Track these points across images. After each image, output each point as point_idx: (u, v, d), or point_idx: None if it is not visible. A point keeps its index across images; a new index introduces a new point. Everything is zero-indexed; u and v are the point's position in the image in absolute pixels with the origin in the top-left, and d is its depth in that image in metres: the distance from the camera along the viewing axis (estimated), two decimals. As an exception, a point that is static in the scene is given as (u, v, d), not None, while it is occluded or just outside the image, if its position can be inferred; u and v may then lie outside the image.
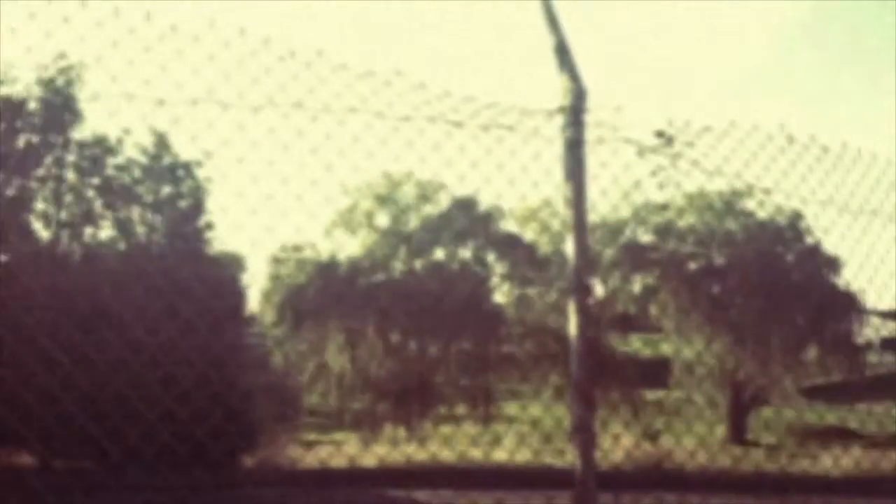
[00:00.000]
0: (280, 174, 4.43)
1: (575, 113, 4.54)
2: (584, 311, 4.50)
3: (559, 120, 4.51)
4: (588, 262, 4.44)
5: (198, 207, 20.52)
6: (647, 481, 11.06)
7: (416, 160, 4.27)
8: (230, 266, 20.88)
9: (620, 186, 4.58)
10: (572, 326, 4.44)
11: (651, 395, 31.51)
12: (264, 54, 4.27)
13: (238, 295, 22.03)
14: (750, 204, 29.07)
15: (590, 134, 4.50)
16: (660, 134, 4.54)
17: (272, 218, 4.49)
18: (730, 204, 29.42)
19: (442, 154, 4.22)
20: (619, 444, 15.12)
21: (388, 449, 12.35)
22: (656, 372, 31.65)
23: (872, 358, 45.53)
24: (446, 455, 11.08)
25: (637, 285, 32.06)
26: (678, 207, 30.46)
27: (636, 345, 31.95)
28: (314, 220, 4.59)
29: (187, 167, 20.02)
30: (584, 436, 4.66)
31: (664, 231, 30.33)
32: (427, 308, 28.64)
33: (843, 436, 28.13)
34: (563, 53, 4.55)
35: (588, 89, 4.44)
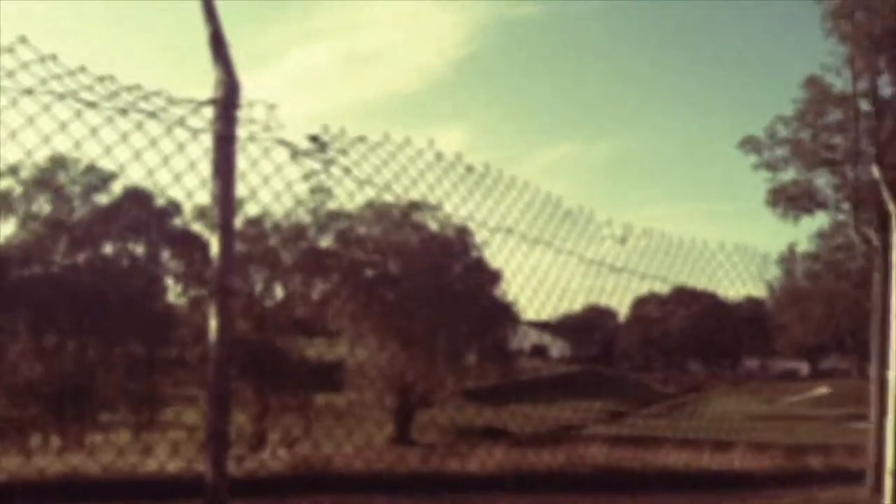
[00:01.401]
0: None
1: (226, 107, 4.32)
2: (224, 315, 4.29)
3: (210, 113, 4.27)
4: (231, 263, 4.25)
5: None
6: (303, 486, 11.07)
7: (40, 139, 3.82)
8: None
9: (300, 190, 4.53)
10: (211, 330, 4.22)
11: (333, 398, 31.97)
12: None
13: None
14: (423, 217, 30.63)
15: (242, 131, 4.30)
16: (313, 138, 4.50)
17: None
18: (406, 215, 30.70)
19: (69, 134, 3.82)
20: (277, 449, 15.06)
21: (22, 461, 11.06)
22: (332, 375, 32.18)
23: (524, 363, 50.24)
24: (91, 466, 10.20)
25: (316, 290, 32.39)
26: (360, 216, 31.22)
27: (316, 349, 32.18)
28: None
29: None
30: (218, 443, 4.43)
31: (345, 238, 30.94)
32: (90, 305, 26.55)
33: (496, 434, 30.59)
34: (218, 45, 4.32)
35: (242, 84, 4.25)
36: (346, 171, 4.70)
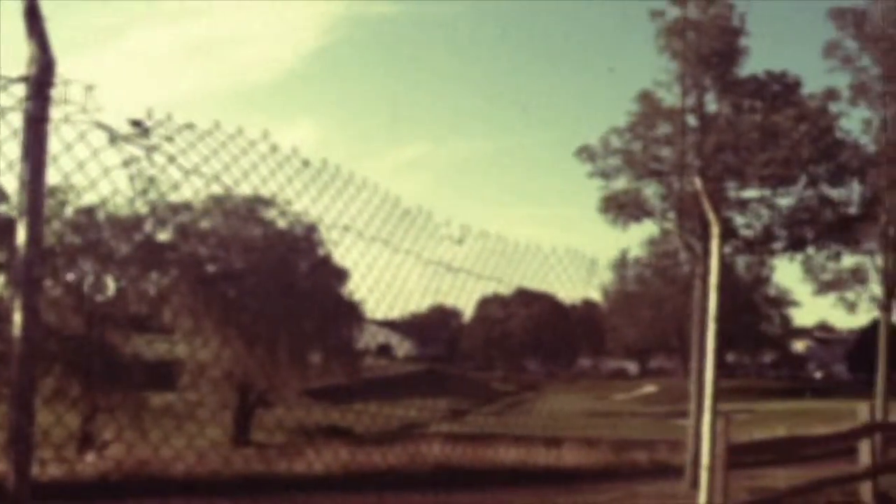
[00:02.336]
0: None
1: (39, 85, 4.02)
2: (30, 309, 3.99)
3: (22, 91, 3.97)
4: (39, 253, 3.96)
5: None
6: (130, 488, 10.55)
7: None
8: None
9: (120, 177, 4.26)
10: (16, 325, 3.91)
11: (169, 397, 30.67)
12: None
13: None
14: (269, 212, 30.00)
15: (56, 111, 4.02)
16: (135, 123, 4.27)
17: None
18: (252, 210, 29.97)
19: None
20: (106, 451, 14.32)
21: None
22: (169, 374, 30.90)
23: (368, 361, 50.20)
24: None
25: (152, 285, 31.04)
26: (203, 209, 30.14)
27: (153, 346, 30.79)
28: None
29: None
30: (20, 447, 4.13)
31: (185, 231, 29.80)
32: None
33: (340, 433, 30.40)
34: (33, 18, 4.02)
35: (56, 61, 3.97)
36: (171, 159, 4.49)
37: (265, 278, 30.38)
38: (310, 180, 5.25)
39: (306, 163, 5.25)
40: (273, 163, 4.95)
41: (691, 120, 16.84)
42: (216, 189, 4.58)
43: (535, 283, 8.68)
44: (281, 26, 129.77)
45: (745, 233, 17.43)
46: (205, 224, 31.57)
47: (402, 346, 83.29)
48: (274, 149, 4.95)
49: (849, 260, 21.91)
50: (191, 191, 4.58)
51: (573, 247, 8.35)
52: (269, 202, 28.29)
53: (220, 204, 29.64)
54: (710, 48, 16.41)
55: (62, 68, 3.89)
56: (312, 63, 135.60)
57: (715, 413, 7.46)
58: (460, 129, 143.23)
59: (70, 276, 27.66)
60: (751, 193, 17.10)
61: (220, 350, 31.36)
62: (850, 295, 22.86)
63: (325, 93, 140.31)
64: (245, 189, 4.85)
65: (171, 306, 30.77)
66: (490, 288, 8.29)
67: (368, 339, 43.04)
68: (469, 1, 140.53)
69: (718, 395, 7.53)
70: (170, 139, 4.35)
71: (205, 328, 31.62)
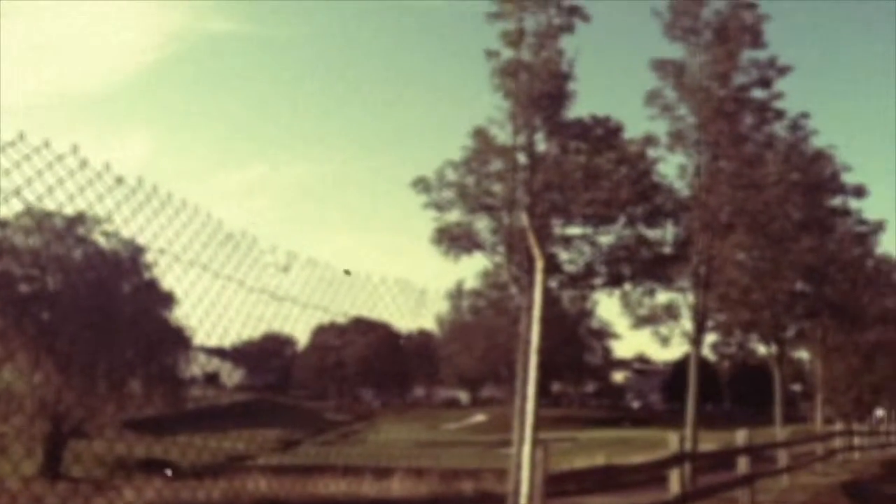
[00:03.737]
0: None
1: None
2: None
3: None
4: None
5: None
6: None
7: None
8: None
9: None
10: None
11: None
12: None
13: None
14: (89, 230, 28.42)
15: None
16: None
17: None
18: (71, 226, 28.28)
19: None
20: None
21: None
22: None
23: (196, 392, 48.31)
24: None
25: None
26: (18, 225, 28.17)
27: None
28: None
29: None
30: None
31: (-4, 248, 27.72)
32: None
33: (158, 466, 28.91)
34: None
35: None
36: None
37: (84, 301, 28.66)
38: (123, 199, 5.01)
39: (119, 180, 5.00)
40: (83, 179, 4.69)
41: (522, 158, 17.47)
42: (31, 202, 4.28)
43: (365, 312, 8.67)
44: (119, 36, 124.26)
45: (569, 268, 18.19)
46: (19, 241, 29.47)
47: (233, 375, 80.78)
48: (83, 164, 4.68)
49: (663, 296, 23.35)
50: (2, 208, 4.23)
51: (408, 275, 8.42)
52: (92, 221, 26.83)
53: (36, 219, 27.76)
54: (540, 90, 17.12)
55: None
56: (149, 76, 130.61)
57: (535, 443, 7.66)
58: (297, 153, 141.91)
59: None
60: (574, 231, 17.91)
61: (30, 375, 29.23)
62: (663, 329, 24.31)
63: (160, 107, 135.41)
64: (49, 206, 4.57)
65: (-25, 329, 28.44)
66: (321, 316, 8.19)
67: (196, 367, 41.42)
68: (310, 26, 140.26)
69: (543, 423, 7.75)
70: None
71: (17, 353, 29.41)
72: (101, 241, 28.94)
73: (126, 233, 5.12)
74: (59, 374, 29.18)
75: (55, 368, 29.10)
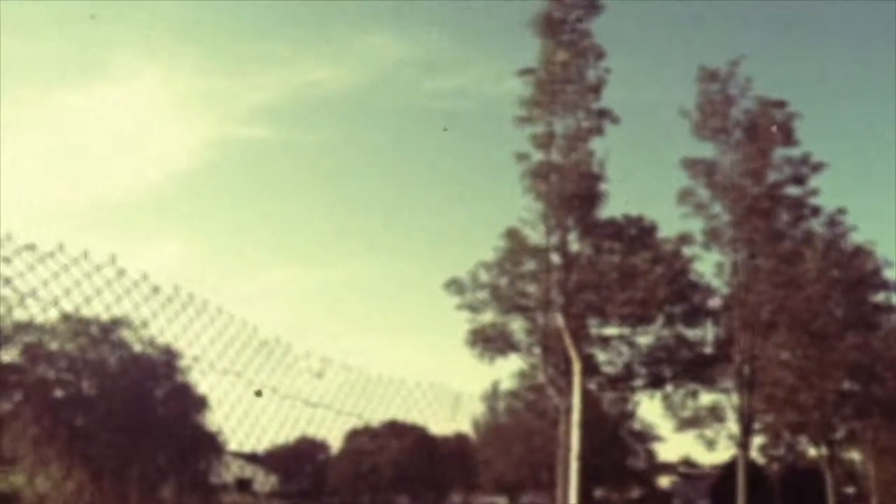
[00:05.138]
0: None
1: None
2: None
3: None
4: None
5: None
6: None
7: None
8: None
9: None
10: None
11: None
12: None
13: None
14: (125, 335, 28.65)
15: None
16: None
17: None
18: (107, 331, 28.53)
19: None
20: None
21: None
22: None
23: (228, 499, 47.45)
24: None
25: (-8, 410, 28.75)
26: (52, 328, 28.53)
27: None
28: None
29: None
30: None
31: (32, 352, 27.98)
32: None
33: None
34: None
35: None
36: (7, 281, 4.18)
37: (117, 405, 28.62)
38: (159, 307, 5.02)
39: (156, 289, 5.02)
40: (120, 288, 4.72)
41: (555, 258, 17.43)
42: (53, 311, 4.31)
43: (400, 416, 8.49)
44: (152, 143, 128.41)
45: (608, 369, 17.87)
46: (54, 345, 29.76)
47: (268, 481, 79.61)
48: (121, 273, 4.72)
49: (706, 398, 22.71)
50: (38, 308, 4.25)
51: (443, 374, 8.28)
52: (125, 324, 27.07)
53: (71, 324, 28.12)
54: (571, 191, 17.22)
55: None
56: (181, 183, 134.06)
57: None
58: (327, 256, 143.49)
59: None
60: (612, 331, 17.66)
61: (63, 482, 28.98)
62: (708, 432, 23.52)
63: (192, 214, 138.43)
64: (87, 313, 4.57)
65: (12, 434, 28.43)
66: (356, 421, 8.03)
67: (228, 473, 40.88)
68: (340, 129, 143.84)
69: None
70: (7, 260, 4.07)
71: (50, 460, 29.27)
72: (137, 345, 29.10)
73: (163, 340, 5.12)
74: (91, 481, 28.90)
75: (88, 475, 28.84)
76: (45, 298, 4.46)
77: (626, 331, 17.71)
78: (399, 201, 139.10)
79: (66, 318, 25.15)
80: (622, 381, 18.30)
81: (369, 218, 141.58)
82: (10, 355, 27.94)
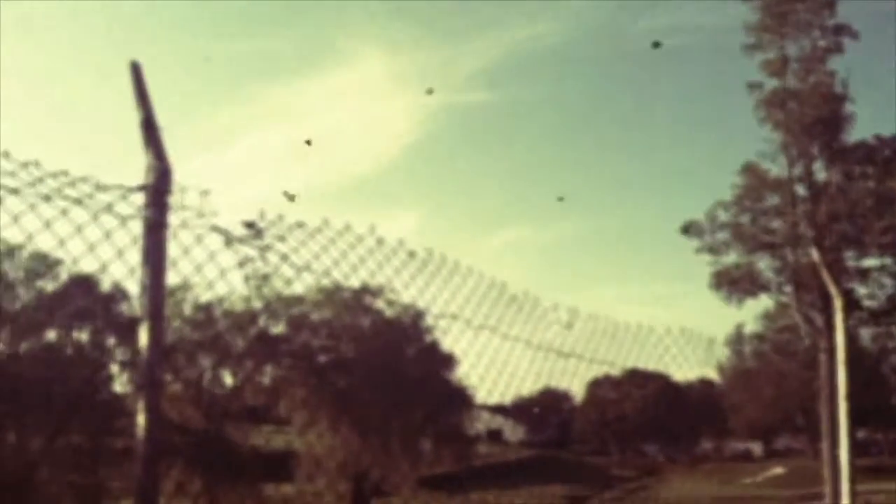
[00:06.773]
0: None
1: (157, 193, 4.22)
2: (153, 410, 4.11)
3: (141, 199, 4.17)
4: (161, 355, 4.10)
5: None
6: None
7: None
8: None
9: (236, 277, 4.43)
10: (139, 426, 4.03)
11: (284, 488, 31.05)
12: None
13: None
14: (375, 300, 30.50)
15: (174, 217, 4.20)
16: (249, 225, 4.44)
17: None
18: (360, 299, 30.51)
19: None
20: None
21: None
22: (283, 464, 31.30)
23: (483, 448, 49.53)
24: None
25: (267, 377, 31.80)
26: (314, 301, 30.96)
27: (266, 437, 31.34)
28: None
29: None
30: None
31: (297, 323, 30.59)
32: (31, 395, 25.60)
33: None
34: (149, 130, 4.26)
35: (173, 169, 4.17)
36: (284, 257, 4.65)
37: (374, 367, 30.65)
38: (416, 271, 5.34)
39: (412, 254, 5.35)
40: (380, 256, 5.09)
41: (800, 190, 16.36)
42: (325, 282, 4.72)
43: (650, 365, 8.45)
44: (380, 120, 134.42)
45: (869, 303, 16.61)
46: (315, 316, 32.29)
47: (516, 432, 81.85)
48: (380, 242, 5.08)
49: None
50: (302, 285, 4.71)
51: (680, 325, 8.12)
52: (375, 292, 28.78)
53: (329, 296, 30.33)
54: (812, 117, 16.00)
55: (177, 175, 4.09)
56: (411, 154, 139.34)
57: (853, 496, 7.00)
58: (557, 212, 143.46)
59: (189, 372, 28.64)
60: (871, 262, 16.36)
61: (332, 439, 31.58)
62: None
63: (424, 183, 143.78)
64: (353, 282, 4.98)
65: (286, 398, 31.37)
66: (597, 370, 8.11)
67: (480, 425, 42.53)
68: (557, 84, 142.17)
69: (854, 475, 7.07)
70: (282, 238, 4.52)
71: (319, 419, 32.00)
72: (387, 310, 30.87)
73: (421, 303, 5.48)
74: (356, 436, 31.25)
75: (353, 431, 31.21)
76: (317, 270, 4.89)
77: (887, 261, 16.34)
78: (624, 149, 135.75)
79: (324, 289, 27.25)
80: (885, 315, 16.92)
81: (596, 169, 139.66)
82: (279, 328, 30.72)
